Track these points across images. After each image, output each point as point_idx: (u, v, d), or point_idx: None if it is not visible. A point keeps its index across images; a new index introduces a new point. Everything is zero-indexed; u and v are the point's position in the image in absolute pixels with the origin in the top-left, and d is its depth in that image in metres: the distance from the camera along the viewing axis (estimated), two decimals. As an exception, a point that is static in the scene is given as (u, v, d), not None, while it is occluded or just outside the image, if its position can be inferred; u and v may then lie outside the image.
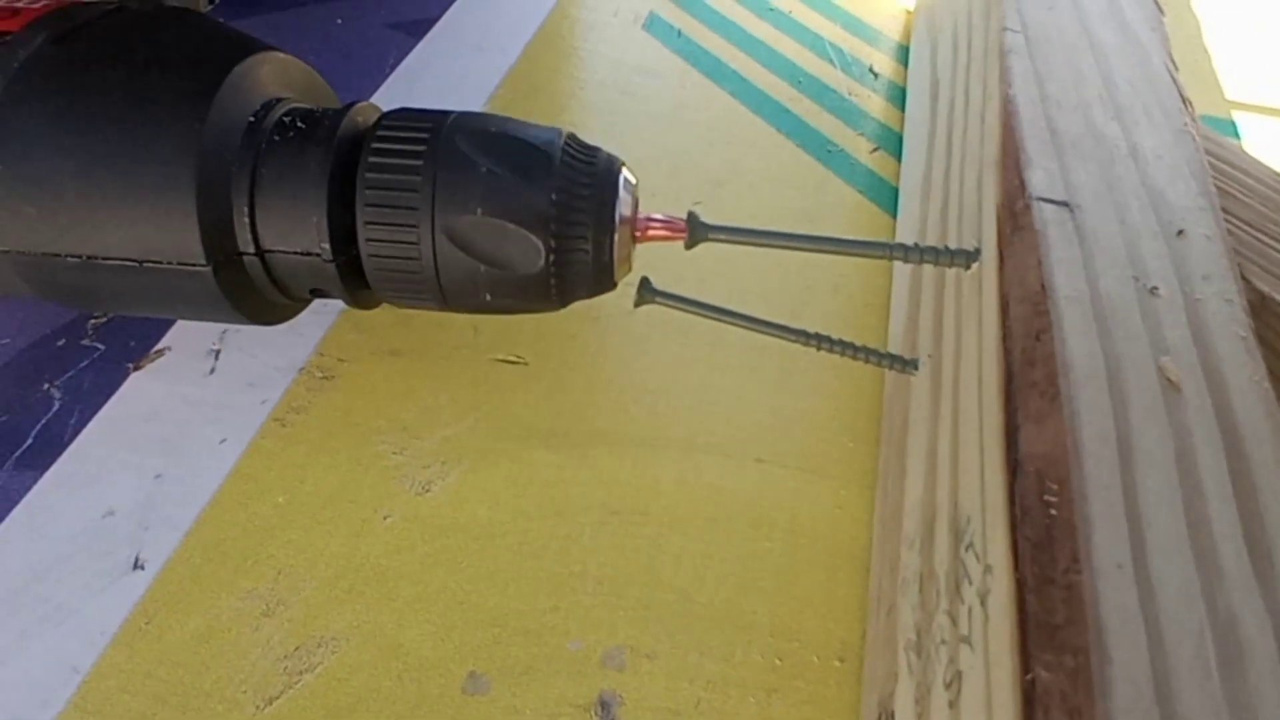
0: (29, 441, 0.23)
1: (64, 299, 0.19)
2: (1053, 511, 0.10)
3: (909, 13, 0.41)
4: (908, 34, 0.39)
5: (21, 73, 0.17)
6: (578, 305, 0.27)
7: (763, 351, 0.26)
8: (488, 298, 0.18)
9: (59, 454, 0.23)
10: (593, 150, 0.18)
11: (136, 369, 0.25)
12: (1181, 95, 0.18)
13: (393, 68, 0.37)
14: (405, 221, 0.17)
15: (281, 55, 0.19)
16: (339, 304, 0.27)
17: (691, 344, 0.26)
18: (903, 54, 0.38)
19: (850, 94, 0.36)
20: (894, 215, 0.30)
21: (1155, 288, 0.14)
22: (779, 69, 0.37)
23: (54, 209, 0.17)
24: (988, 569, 0.11)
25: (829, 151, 0.33)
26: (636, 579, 0.21)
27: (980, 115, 0.19)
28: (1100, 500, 0.11)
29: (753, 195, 0.31)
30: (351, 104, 0.19)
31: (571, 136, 0.18)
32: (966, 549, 0.12)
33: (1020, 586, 0.10)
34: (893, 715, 0.14)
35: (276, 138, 0.18)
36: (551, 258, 0.17)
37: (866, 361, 0.20)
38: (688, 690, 0.19)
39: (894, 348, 0.22)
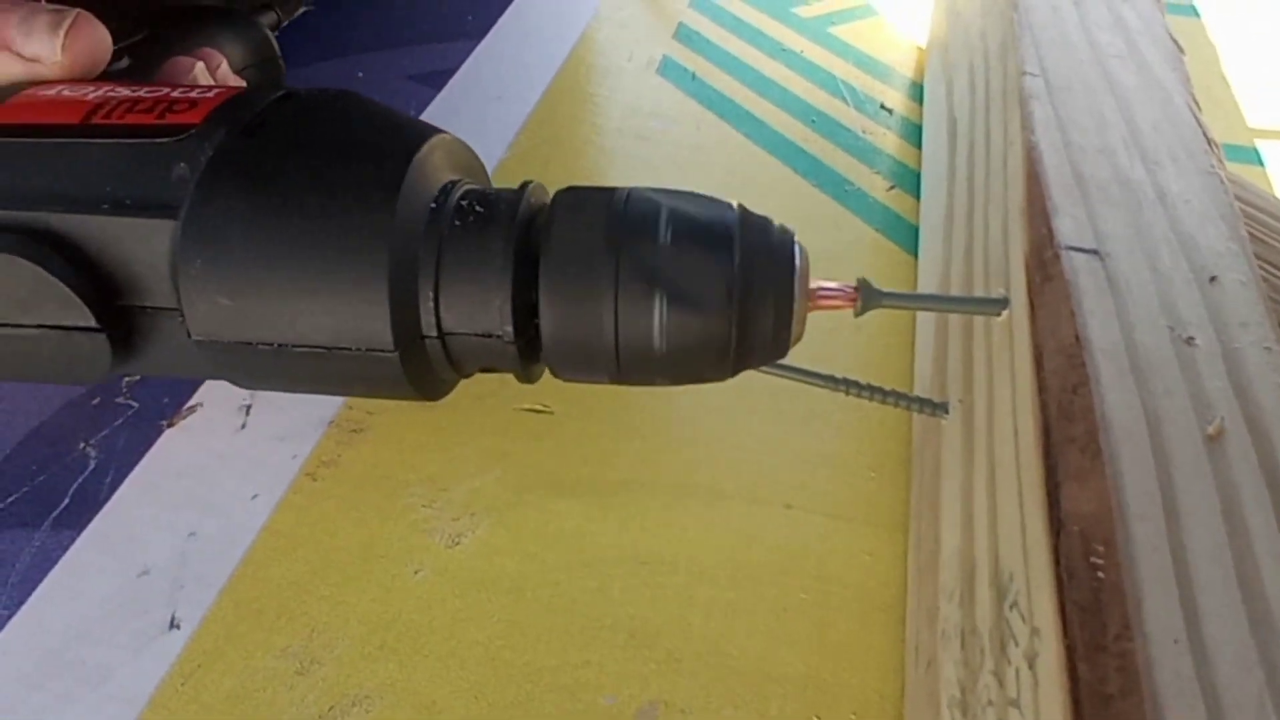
0: (66, 501, 0.23)
1: (247, 382, 0.19)
2: (1100, 575, 0.10)
3: (921, 50, 0.41)
4: (920, 71, 0.40)
5: (212, 168, 0.18)
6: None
7: (788, 395, 0.26)
8: (663, 371, 0.18)
9: (95, 513, 0.23)
10: (766, 221, 0.18)
11: (170, 426, 0.25)
12: (1207, 137, 0.17)
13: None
14: (588, 301, 0.17)
15: (448, 136, 0.20)
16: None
17: (716, 390, 0.26)
18: (915, 91, 0.39)
19: (865, 132, 0.36)
20: (913, 253, 0.30)
21: (1191, 338, 0.13)
22: (793, 109, 0.38)
23: (248, 300, 0.18)
24: (1035, 631, 0.11)
25: (845, 190, 0.33)
26: (667, 631, 0.20)
27: (1002, 160, 0.19)
28: (1149, 562, 0.10)
29: (772, 236, 0.31)
30: (525, 184, 0.19)
31: (743, 208, 0.18)
32: (1011, 608, 0.12)
33: (1070, 653, 0.10)
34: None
35: (457, 223, 0.18)
36: (734, 332, 0.17)
37: (896, 405, 0.20)
38: (724, 746, 0.18)
39: (921, 391, 0.22)
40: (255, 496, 0.23)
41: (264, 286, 0.17)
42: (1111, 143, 0.17)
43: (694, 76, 0.40)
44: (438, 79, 0.40)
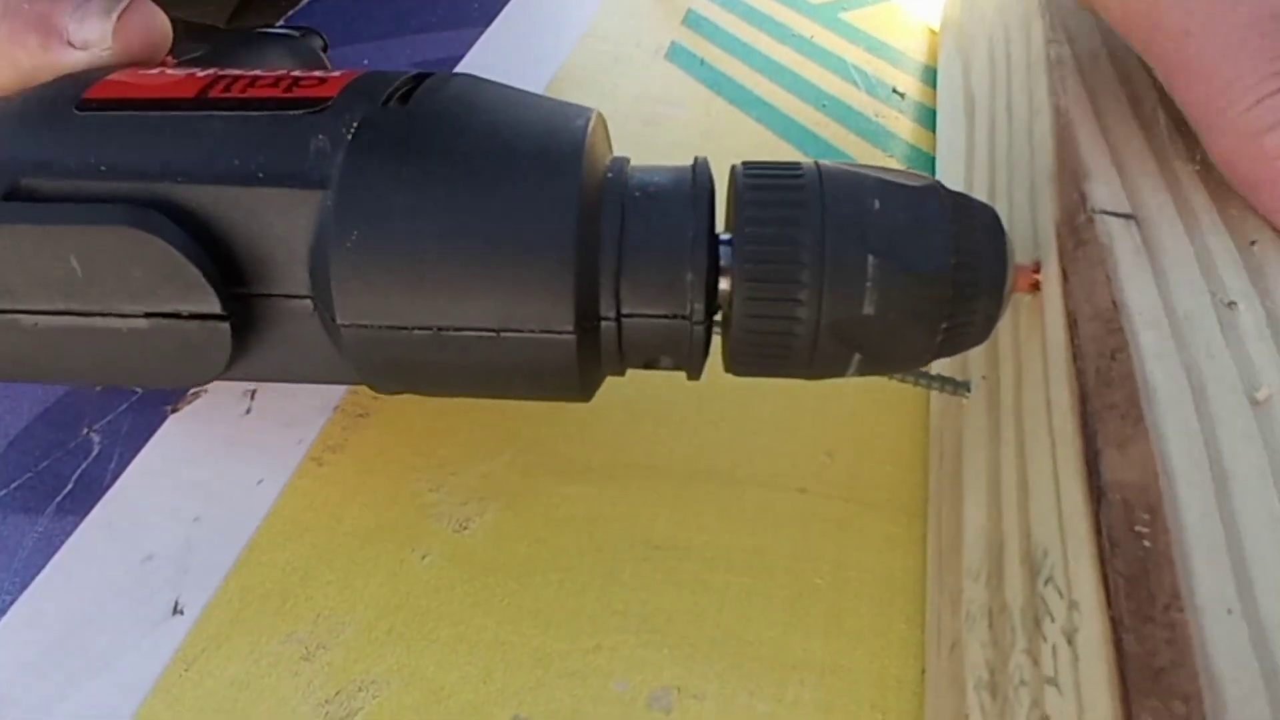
0: (70, 486, 0.23)
1: (386, 379, 0.18)
2: (1146, 544, 0.10)
3: (933, 33, 0.40)
4: (932, 54, 0.39)
5: (363, 138, 0.16)
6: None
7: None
8: (865, 344, 0.16)
9: (99, 498, 0.23)
10: (967, 197, 0.16)
11: (174, 411, 0.25)
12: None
13: (420, 105, 0.37)
14: (789, 271, 0.15)
15: (598, 112, 0.18)
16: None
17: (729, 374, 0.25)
18: (927, 74, 0.38)
19: (877, 115, 0.36)
20: (930, 236, 0.30)
21: (1233, 302, 0.13)
22: (804, 94, 0.37)
23: (410, 277, 0.16)
24: (1073, 605, 0.11)
25: (859, 174, 0.33)
26: (680, 616, 0.20)
27: (1027, 130, 0.18)
28: (1197, 531, 0.10)
29: (784, 220, 0.31)
30: (698, 160, 0.18)
31: (943, 186, 0.16)
32: (1046, 583, 0.12)
33: (1115, 625, 0.10)
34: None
35: (638, 193, 0.16)
36: (944, 325, 0.15)
37: (916, 384, 0.19)
38: (740, 733, 0.18)
39: (940, 369, 0.21)
40: (261, 482, 0.23)
41: (429, 262, 0.15)
42: (1144, 108, 0.17)
43: (703, 62, 0.39)
44: (443, 67, 0.39)
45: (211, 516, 0.22)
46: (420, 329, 0.16)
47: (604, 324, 0.16)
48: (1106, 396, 0.12)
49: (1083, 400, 0.12)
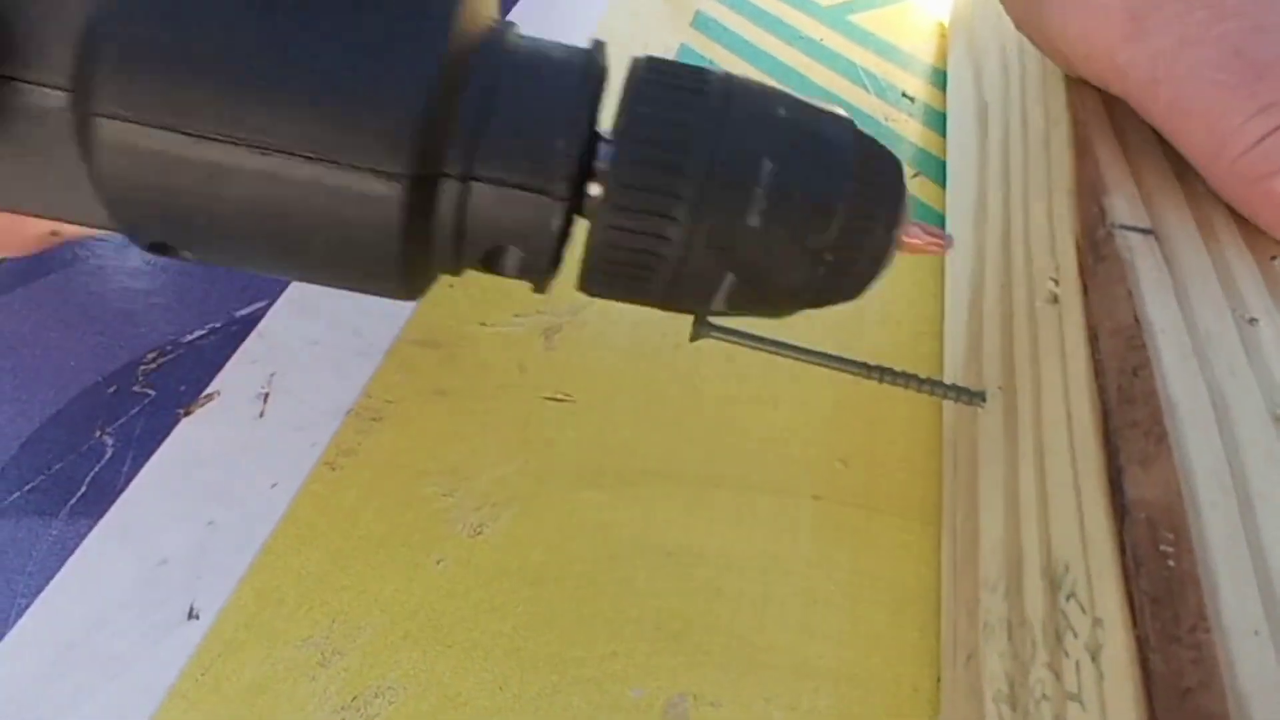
0: (83, 490, 0.23)
1: (135, 215, 0.13)
2: (1170, 563, 0.10)
3: (942, 36, 0.40)
4: (942, 57, 0.39)
5: None
6: (625, 340, 0.27)
7: (815, 385, 0.25)
8: (728, 288, 0.14)
9: (113, 502, 0.23)
10: (877, 142, 0.15)
11: (187, 414, 0.25)
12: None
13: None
14: (668, 181, 0.13)
15: None
16: (382, 344, 0.27)
17: (741, 378, 0.26)
18: (937, 77, 0.38)
19: (887, 119, 0.36)
20: (940, 241, 0.30)
21: (1254, 319, 0.13)
22: (813, 96, 0.37)
23: (209, 58, 0.12)
24: (1097, 622, 0.11)
25: (869, 178, 0.33)
26: (695, 623, 0.20)
27: (1044, 141, 0.18)
28: (1223, 551, 0.10)
29: (794, 224, 0.31)
30: (599, 42, 0.16)
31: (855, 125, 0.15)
32: (1068, 599, 0.12)
33: (1141, 644, 0.10)
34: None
35: (524, 53, 0.14)
36: (829, 257, 0.14)
37: (931, 394, 0.19)
38: (756, 741, 0.18)
39: (954, 379, 0.21)
40: (274, 485, 0.23)
41: (239, 41, 0.12)
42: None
43: (712, 64, 0.39)
44: (453, 67, 0.40)
45: (225, 520, 0.22)
46: (206, 137, 0.12)
47: (445, 182, 0.13)
48: (1129, 413, 0.12)
49: (1104, 416, 0.12)
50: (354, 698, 0.19)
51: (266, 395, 0.25)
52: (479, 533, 0.22)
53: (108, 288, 0.24)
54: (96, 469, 0.24)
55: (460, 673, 0.19)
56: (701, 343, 0.21)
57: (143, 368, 0.26)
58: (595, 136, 0.14)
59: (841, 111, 0.15)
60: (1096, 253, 0.14)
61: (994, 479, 0.17)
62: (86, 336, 0.27)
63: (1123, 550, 0.11)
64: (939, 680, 0.19)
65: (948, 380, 0.20)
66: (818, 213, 0.14)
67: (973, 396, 0.19)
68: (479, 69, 0.14)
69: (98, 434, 0.24)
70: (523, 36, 0.15)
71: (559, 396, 0.25)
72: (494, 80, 0.14)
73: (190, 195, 0.13)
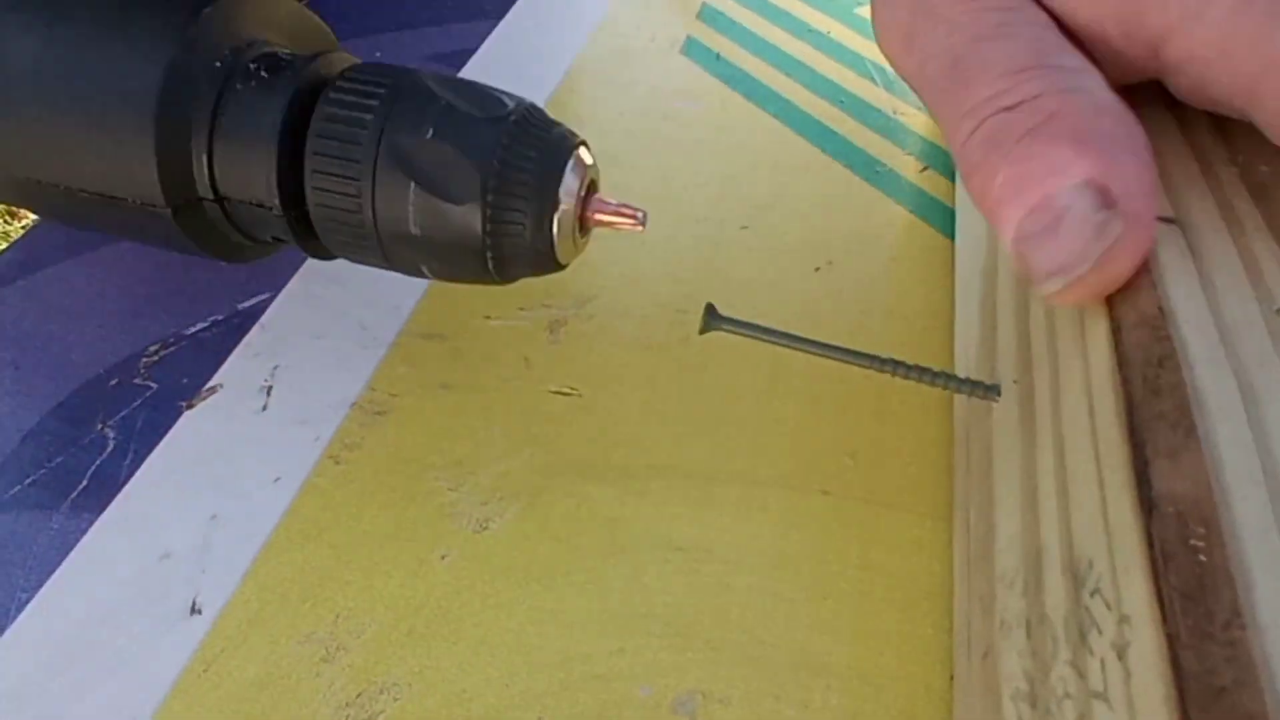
0: (84, 483, 0.23)
1: (51, 216, 0.20)
2: (1202, 558, 0.10)
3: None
4: (951, 51, 0.39)
5: None
6: (632, 333, 0.26)
7: (824, 379, 0.25)
8: (426, 260, 0.18)
9: (114, 495, 0.22)
10: (554, 122, 0.18)
11: (189, 407, 0.25)
12: None
13: (433, 99, 0.37)
14: (348, 180, 0.17)
15: None
16: (386, 337, 0.26)
17: (750, 372, 0.25)
18: (947, 71, 0.38)
19: (895, 113, 0.35)
20: (949, 235, 0.29)
21: (1282, 309, 0.13)
22: (821, 89, 0.37)
23: (28, 135, 0.17)
24: (1124, 619, 0.10)
25: (877, 172, 0.33)
26: (704, 619, 0.20)
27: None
28: (1256, 545, 0.10)
29: (801, 219, 0.31)
30: (319, 53, 0.19)
31: (530, 109, 0.18)
32: (1092, 595, 0.11)
33: (1172, 642, 0.09)
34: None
35: (239, 86, 0.18)
36: (489, 199, 0.17)
37: (945, 388, 0.19)
38: (766, 739, 0.18)
39: (966, 373, 0.21)
40: (278, 480, 0.23)
41: (41, 122, 0.17)
42: (1184, 109, 0.16)
43: (719, 57, 0.39)
44: (457, 59, 0.39)
45: (228, 514, 0.22)
46: (49, 183, 0.18)
47: (206, 204, 0.18)
48: (1155, 405, 0.12)
49: (1129, 409, 0.12)
50: (358, 694, 0.19)
51: (269, 388, 0.25)
52: (485, 528, 0.22)
53: (109, 280, 0.24)
54: (98, 462, 0.23)
55: (466, 669, 0.19)
56: (710, 336, 0.21)
57: (145, 360, 0.26)
58: (302, 134, 0.18)
59: (514, 99, 0.18)
60: (1119, 242, 0.14)
61: (1009, 474, 0.16)
62: (88, 329, 0.27)
63: (1150, 545, 0.10)
64: (952, 678, 0.18)
65: (960, 374, 0.19)
66: (462, 184, 0.17)
67: (987, 390, 0.18)
68: (206, 101, 0.18)
69: (99, 427, 0.24)
70: (265, 54, 0.18)
71: (565, 390, 0.25)
72: (214, 113, 0.18)
73: (62, 208, 0.19)
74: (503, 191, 0.17)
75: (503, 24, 0.41)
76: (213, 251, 0.19)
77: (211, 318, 0.27)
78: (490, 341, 0.26)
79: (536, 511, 0.22)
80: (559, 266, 0.18)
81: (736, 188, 0.32)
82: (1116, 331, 0.13)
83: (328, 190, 0.17)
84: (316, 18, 0.21)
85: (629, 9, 0.42)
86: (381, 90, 0.17)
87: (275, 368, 0.26)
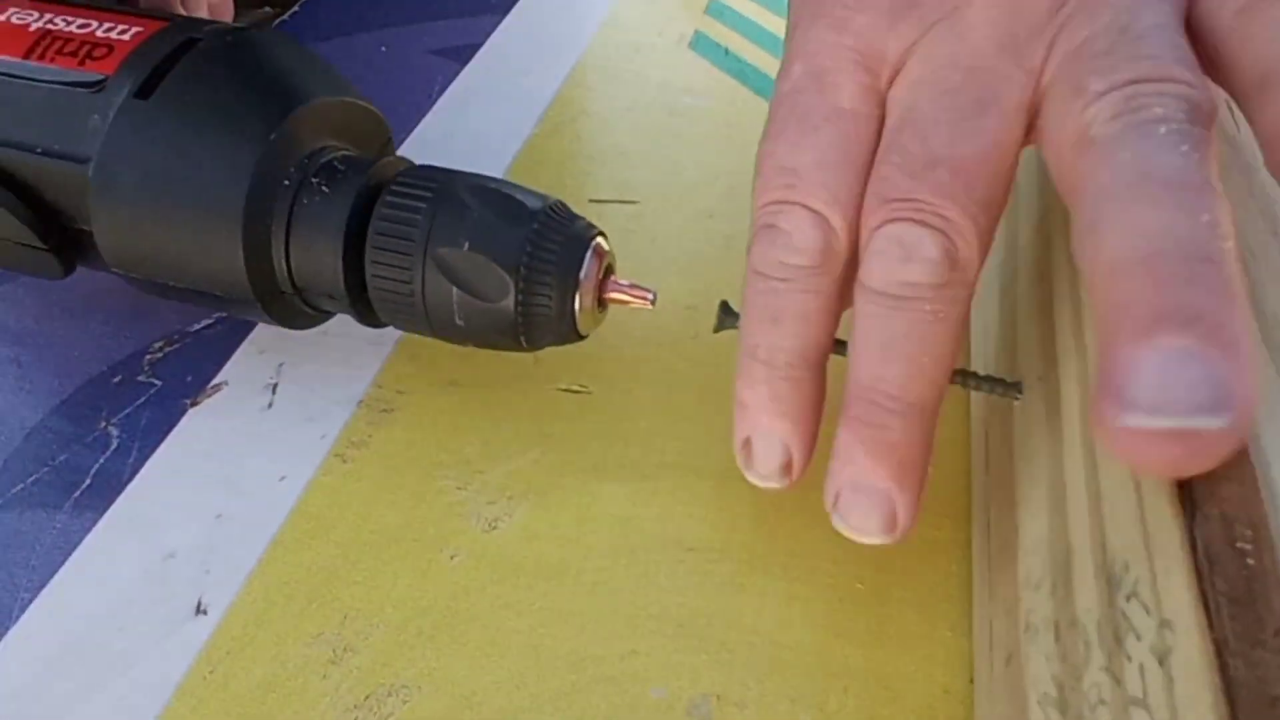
0: (88, 481, 0.22)
1: (163, 297, 0.23)
2: (1250, 561, 0.09)
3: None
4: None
5: (115, 126, 0.21)
6: (641, 331, 0.26)
7: (836, 377, 0.24)
8: (470, 339, 0.21)
9: (118, 494, 0.22)
10: (574, 216, 0.21)
11: (194, 405, 0.24)
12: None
13: (439, 94, 0.36)
14: (404, 252, 0.20)
15: (325, 102, 0.22)
16: (394, 334, 0.26)
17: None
18: (958, 66, 0.37)
19: (907, 108, 0.35)
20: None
21: (1324, 305, 0.12)
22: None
23: (143, 248, 0.21)
24: (1165, 624, 0.10)
25: (889, 167, 0.32)
26: (718, 620, 0.19)
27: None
28: (1308, 548, 0.09)
29: (813, 213, 0.30)
30: (377, 159, 0.22)
31: (559, 203, 0.21)
32: (1128, 599, 0.11)
33: (1220, 649, 0.09)
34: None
35: (305, 200, 0.21)
36: (520, 296, 0.20)
37: (964, 386, 0.19)
38: (783, 743, 0.17)
39: (985, 371, 0.20)
40: (283, 478, 0.22)
41: (154, 239, 0.21)
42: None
43: (727, 52, 0.39)
44: (462, 54, 0.39)
45: (234, 513, 0.22)
46: (162, 282, 0.22)
47: (287, 295, 0.22)
48: (1195, 402, 0.11)
49: (1168, 407, 0.12)
50: (366, 696, 0.18)
51: (275, 385, 0.25)
52: (494, 527, 0.21)
53: (112, 276, 0.23)
54: (102, 460, 0.23)
55: (476, 671, 0.19)
56: (722, 334, 0.21)
57: (148, 357, 0.26)
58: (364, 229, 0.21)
59: (547, 195, 0.21)
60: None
61: (1034, 474, 0.16)
62: (91, 326, 0.26)
63: (1193, 548, 0.10)
64: (972, 682, 0.18)
65: (983, 371, 0.19)
66: (496, 290, 0.20)
67: (1008, 388, 0.18)
68: (281, 211, 0.21)
69: (103, 425, 0.24)
70: (327, 162, 0.21)
71: (574, 388, 0.25)
72: (290, 224, 0.21)
73: (171, 295, 0.23)
74: (529, 289, 0.20)
75: (509, 18, 0.41)
76: (292, 325, 0.23)
77: (216, 315, 0.27)
78: (498, 338, 0.26)
79: (546, 510, 0.22)
80: (581, 337, 0.21)
81: (747, 183, 0.31)
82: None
83: (385, 290, 0.21)
84: (378, 113, 0.24)
85: (636, 4, 0.42)
86: (424, 202, 0.20)
87: (281, 365, 0.25)
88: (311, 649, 0.19)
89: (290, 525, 0.21)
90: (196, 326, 0.26)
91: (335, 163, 0.21)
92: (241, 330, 0.26)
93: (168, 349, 0.26)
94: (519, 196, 0.21)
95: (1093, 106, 0.15)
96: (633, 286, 0.21)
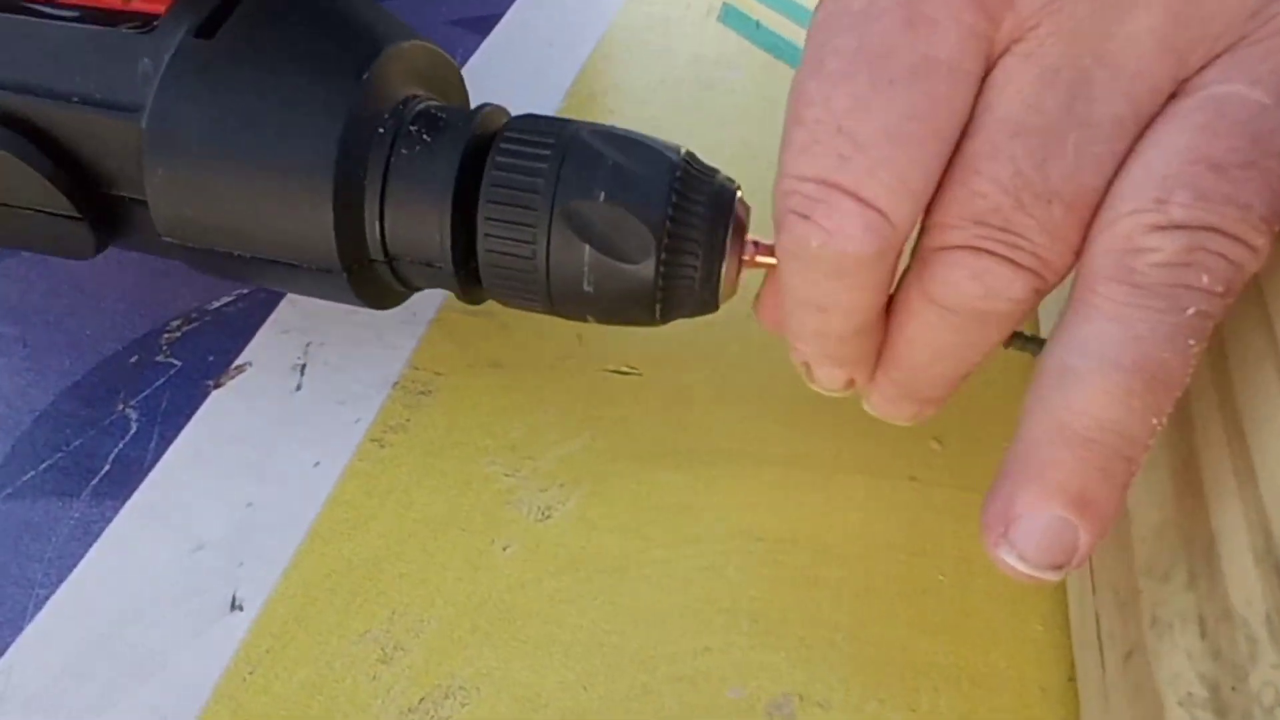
0: (106, 468, 0.21)
1: (217, 275, 0.21)
2: None
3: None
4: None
5: (172, 70, 0.18)
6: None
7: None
8: (592, 311, 0.18)
9: (140, 482, 0.21)
10: (710, 176, 0.18)
11: (217, 387, 0.23)
12: None
13: (460, 66, 0.35)
14: (522, 241, 0.17)
15: (412, 45, 0.19)
16: (428, 312, 0.25)
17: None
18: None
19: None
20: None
21: None
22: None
23: (208, 210, 0.18)
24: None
25: (935, 143, 0.31)
26: (794, 615, 0.18)
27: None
28: None
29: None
30: (479, 108, 0.19)
31: (689, 160, 0.18)
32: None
33: None
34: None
35: (404, 150, 0.18)
36: (663, 256, 0.17)
37: (1008, 347, 0.17)
38: (872, 746, 0.16)
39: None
40: (317, 464, 0.21)
41: (220, 199, 0.18)
42: None
43: (759, 25, 0.37)
44: (483, 25, 0.37)
45: (265, 501, 0.20)
46: (223, 251, 0.19)
47: (376, 264, 0.19)
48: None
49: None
50: (421, 699, 0.17)
51: (303, 366, 0.23)
52: (548, 516, 0.20)
53: (124, 251, 0.22)
54: (120, 446, 0.21)
55: (538, 670, 0.17)
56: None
57: (166, 336, 0.24)
58: (475, 188, 0.18)
59: (673, 153, 0.18)
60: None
61: (1150, 455, 0.15)
62: (104, 303, 0.25)
63: None
64: (1072, 680, 0.17)
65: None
66: (637, 247, 0.17)
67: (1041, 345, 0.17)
68: (375, 168, 0.18)
69: (120, 407, 0.22)
70: (420, 111, 0.19)
71: (624, 369, 0.23)
72: (383, 179, 0.18)
73: (228, 269, 0.20)
74: (675, 249, 0.17)
75: (531, -11, 0.39)
76: (374, 303, 0.20)
77: (236, 291, 0.25)
78: (539, 317, 0.24)
79: (601, 499, 0.20)
80: (715, 309, 0.19)
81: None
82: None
83: (500, 252, 0.18)
84: (455, 63, 0.21)
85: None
86: (548, 150, 0.17)
87: (308, 344, 0.24)
88: (359, 647, 0.18)
89: (327, 514, 0.20)
90: (216, 304, 0.25)
91: (434, 110, 0.19)
92: (264, 308, 0.25)
93: (186, 328, 0.24)
94: (653, 144, 0.18)
95: (1156, 236, 0.12)
96: (762, 247, 0.18)
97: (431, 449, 0.21)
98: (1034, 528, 0.13)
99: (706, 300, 0.18)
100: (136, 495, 0.20)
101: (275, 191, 0.17)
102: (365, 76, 0.17)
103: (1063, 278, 0.14)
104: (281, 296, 0.25)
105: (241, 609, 0.18)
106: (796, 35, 0.37)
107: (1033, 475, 0.13)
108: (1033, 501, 0.13)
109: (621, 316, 0.18)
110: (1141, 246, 0.13)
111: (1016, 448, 0.14)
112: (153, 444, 0.21)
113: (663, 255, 0.17)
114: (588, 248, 0.17)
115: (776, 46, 0.36)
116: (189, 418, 0.22)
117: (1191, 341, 0.13)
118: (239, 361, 0.23)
